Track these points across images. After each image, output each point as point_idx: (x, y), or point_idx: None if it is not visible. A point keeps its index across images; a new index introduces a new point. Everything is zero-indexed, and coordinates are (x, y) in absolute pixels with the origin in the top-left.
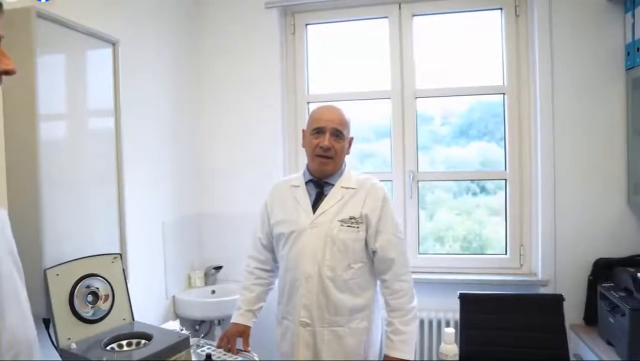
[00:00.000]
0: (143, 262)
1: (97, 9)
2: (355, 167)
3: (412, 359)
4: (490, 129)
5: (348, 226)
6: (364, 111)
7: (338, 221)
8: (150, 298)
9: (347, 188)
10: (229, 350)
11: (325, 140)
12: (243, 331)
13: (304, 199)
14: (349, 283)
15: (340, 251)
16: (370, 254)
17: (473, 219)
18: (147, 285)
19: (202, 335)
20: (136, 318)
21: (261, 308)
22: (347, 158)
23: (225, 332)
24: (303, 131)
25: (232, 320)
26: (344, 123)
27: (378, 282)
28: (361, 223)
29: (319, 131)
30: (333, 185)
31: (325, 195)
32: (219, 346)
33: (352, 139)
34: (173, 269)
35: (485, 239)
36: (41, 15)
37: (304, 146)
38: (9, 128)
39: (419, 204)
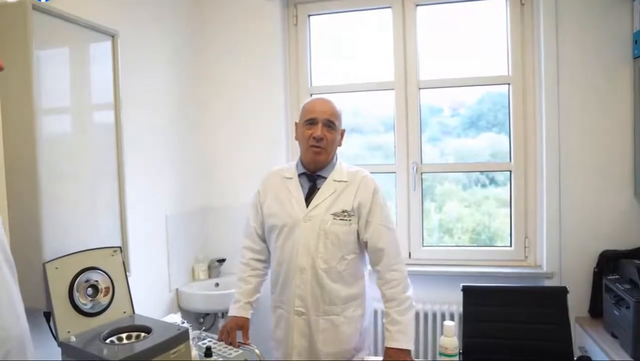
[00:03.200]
0: (146, 255)
1: (95, 0)
2: (362, 159)
3: (411, 348)
4: (500, 120)
5: (341, 219)
6: (372, 102)
7: (331, 214)
8: (154, 291)
9: (339, 181)
10: (230, 344)
11: (318, 130)
12: (243, 324)
13: (297, 192)
14: (343, 274)
15: (334, 244)
16: (363, 245)
17: (482, 211)
18: (151, 278)
19: (204, 328)
20: (140, 311)
21: (257, 299)
22: (353, 150)
23: (224, 325)
24: (296, 124)
25: (231, 313)
26: (336, 114)
27: (366, 271)
28: (353, 215)
29: (311, 122)
30: (325, 178)
31: (318, 188)
32: (219, 340)
33: (344, 131)
34: (176, 262)
35: (494, 231)
36: (37, 8)
37: (297, 138)
38: (7, 122)
39: (429, 196)
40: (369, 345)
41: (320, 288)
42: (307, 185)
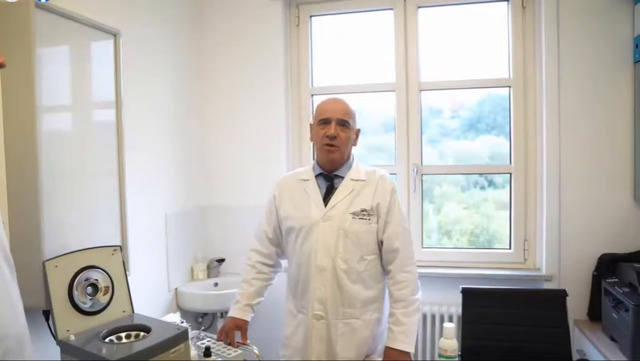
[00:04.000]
0: (146, 254)
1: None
2: (363, 160)
3: (412, 351)
4: (500, 123)
5: (360, 218)
6: (373, 104)
7: (350, 213)
8: (153, 291)
9: (356, 180)
10: (229, 344)
11: (332, 129)
12: (241, 326)
13: (315, 192)
14: (362, 275)
15: (354, 243)
16: (380, 245)
17: (481, 213)
18: (150, 278)
19: (203, 328)
20: (138, 310)
21: (259, 302)
22: (354, 151)
23: (223, 326)
24: (310, 125)
25: (230, 314)
26: (349, 113)
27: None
28: (372, 214)
29: (325, 122)
30: (343, 178)
31: (336, 188)
32: (218, 340)
33: (359, 130)
34: (176, 262)
35: (493, 233)
36: (40, 6)
37: (312, 139)
38: (8, 120)
39: (427, 198)
40: (382, 349)
41: (339, 289)
42: (324, 185)
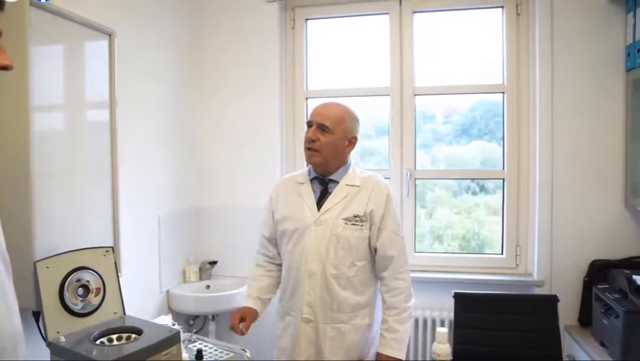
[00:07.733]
0: (138, 256)
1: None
2: (355, 164)
3: (404, 358)
4: (491, 129)
5: (352, 224)
6: (365, 107)
7: (342, 219)
8: (145, 292)
9: (351, 185)
10: (231, 328)
11: (310, 132)
12: (247, 313)
13: (309, 196)
14: (352, 281)
15: (344, 249)
16: (374, 252)
17: (472, 218)
18: (142, 279)
19: (195, 330)
20: (130, 312)
21: (270, 299)
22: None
23: (236, 310)
24: None
25: (243, 305)
26: (334, 119)
27: (378, 280)
28: (365, 221)
29: (309, 125)
30: (338, 182)
31: (330, 193)
32: (232, 323)
33: (354, 138)
34: (168, 264)
35: (484, 239)
36: (35, 5)
37: None
38: (0, 119)
39: (419, 202)
40: (374, 354)
41: (329, 294)
42: (319, 190)
